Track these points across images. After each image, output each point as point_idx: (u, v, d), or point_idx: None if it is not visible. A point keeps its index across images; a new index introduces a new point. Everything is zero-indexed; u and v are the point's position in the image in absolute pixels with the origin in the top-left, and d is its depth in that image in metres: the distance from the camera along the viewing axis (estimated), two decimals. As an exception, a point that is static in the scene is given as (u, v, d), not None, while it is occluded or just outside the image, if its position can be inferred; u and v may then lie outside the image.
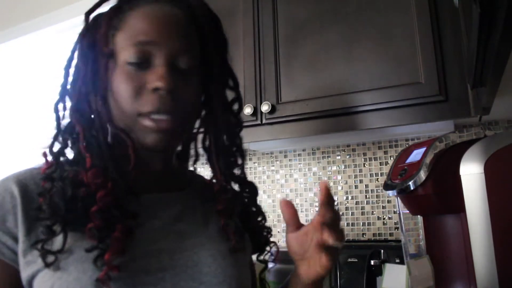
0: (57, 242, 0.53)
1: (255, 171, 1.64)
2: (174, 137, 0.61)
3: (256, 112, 1.24)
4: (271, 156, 1.62)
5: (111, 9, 0.62)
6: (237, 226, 0.66)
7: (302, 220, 1.52)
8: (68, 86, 0.61)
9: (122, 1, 0.62)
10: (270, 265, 0.78)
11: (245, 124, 1.26)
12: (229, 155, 0.69)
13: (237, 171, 0.70)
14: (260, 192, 1.61)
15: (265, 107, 1.21)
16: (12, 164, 2.00)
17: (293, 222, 0.66)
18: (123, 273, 0.52)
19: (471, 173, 0.79)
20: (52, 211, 0.54)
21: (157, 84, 0.56)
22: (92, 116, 0.59)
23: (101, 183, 0.55)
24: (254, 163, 1.65)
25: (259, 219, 0.73)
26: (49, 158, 0.58)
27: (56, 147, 0.59)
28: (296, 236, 0.64)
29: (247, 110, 1.23)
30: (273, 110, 1.21)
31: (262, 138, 1.25)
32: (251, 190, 0.72)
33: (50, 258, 0.53)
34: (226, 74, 0.70)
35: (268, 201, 1.60)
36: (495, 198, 0.77)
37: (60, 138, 0.60)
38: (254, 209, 0.72)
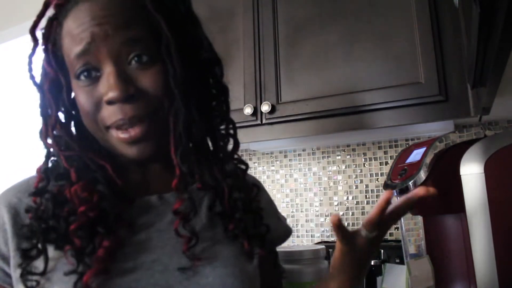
0: (41, 262, 0.51)
1: (255, 171, 1.64)
2: (155, 143, 0.54)
3: (256, 112, 1.24)
4: (271, 156, 1.62)
5: (47, 21, 0.55)
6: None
7: (302, 220, 1.52)
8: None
9: (58, 9, 0.55)
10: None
11: (245, 124, 1.27)
12: (211, 135, 0.60)
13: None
14: (260, 192, 1.61)
15: (265, 107, 1.21)
16: (13, 164, 2.00)
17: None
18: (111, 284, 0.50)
19: (471, 173, 0.78)
20: (34, 230, 0.52)
21: (109, 96, 0.50)
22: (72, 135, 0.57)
23: (84, 198, 0.52)
24: (254, 163, 1.65)
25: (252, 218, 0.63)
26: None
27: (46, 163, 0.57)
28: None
29: (247, 110, 1.23)
30: (273, 110, 1.21)
31: (262, 138, 1.25)
32: (243, 164, 0.64)
33: (31, 282, 0.50)
34: (200, 48, 0.58)
35: (268, 201, 1.60)
36: (495, 198, 0.77)
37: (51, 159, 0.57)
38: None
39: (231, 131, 0.62)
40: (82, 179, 0.53)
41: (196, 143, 0.56)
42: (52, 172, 0.56)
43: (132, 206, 0.57)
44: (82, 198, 0.52)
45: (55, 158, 0.57)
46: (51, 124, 0.55)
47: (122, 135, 0.52)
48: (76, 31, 0.51)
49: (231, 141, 0.62)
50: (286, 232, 0.74)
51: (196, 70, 0.57)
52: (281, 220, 0.75)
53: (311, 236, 1.50)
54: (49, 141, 0.56)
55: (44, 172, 0.56)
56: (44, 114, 0.56)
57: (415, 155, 0.95)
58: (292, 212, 1.56)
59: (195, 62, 0.57)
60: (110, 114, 0.52)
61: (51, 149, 0.56)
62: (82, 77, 0.52)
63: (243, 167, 0.64)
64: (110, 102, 0.51)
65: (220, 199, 0.59)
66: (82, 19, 0.51)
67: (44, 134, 0.56)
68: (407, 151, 1.01)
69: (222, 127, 0.61)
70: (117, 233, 0.53)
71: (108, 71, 0.51)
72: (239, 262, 0.58)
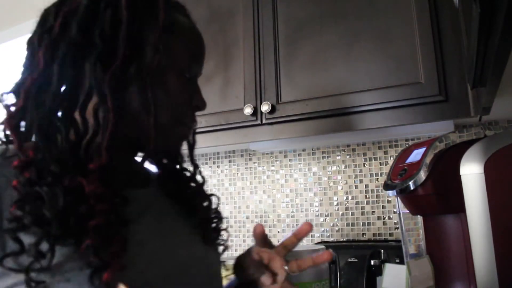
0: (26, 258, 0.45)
1: (255, 171, 1.64)
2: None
3: (256, 112, 1.24)
4: (271, 156, 1.62)
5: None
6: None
7: (302, 220, 1.52)
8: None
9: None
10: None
11: (245, 124, 1.27)
12: None
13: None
14: (260, 192, 1.62)
15: (265, 107, 1.21)
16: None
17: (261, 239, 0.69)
18: None
19: (471, 173, 0.78)
20: (37, 224, 0.45)
21: (199, 104, 0.64)
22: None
23: (101, 194, 0.47)
24: (254, 163, 1.65)
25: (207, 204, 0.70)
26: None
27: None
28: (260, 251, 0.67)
29: (247, 110, 1.23)
30: (273, 110, 1.21)
31: (262, 138, 1.25)
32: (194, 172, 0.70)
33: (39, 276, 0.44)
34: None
35: (268, 201, 1.60)
36: (495, 198, 0.77)
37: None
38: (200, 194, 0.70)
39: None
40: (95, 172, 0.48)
41: None
42: (48, 150, 0.49)
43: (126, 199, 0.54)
44: (98, 193, 0.48)
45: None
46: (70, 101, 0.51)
47: (185, 132, 0.64)
48: (197, 44, 0.64)
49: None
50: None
51: None
52: None
53: (311, 236, 1.50)
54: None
55: (36, 146, 0.48)
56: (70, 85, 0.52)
57: (415, 155, 0.95)
58: (292, 212, 1.56)
59: None
60: (191, 114, 0.64)
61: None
62: (188, 75, 0.62)
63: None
64: (198, 108, 0.64)
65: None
66: (199, 40, 0.65)
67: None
68: (407, 151, 1.01)
69: None
70: (123, 228, 0.50)
71: (195, 82, 0.65)
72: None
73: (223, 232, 0.70)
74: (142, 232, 0.55)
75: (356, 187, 1.46)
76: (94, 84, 0.51)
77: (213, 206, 0.70)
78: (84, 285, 0.45)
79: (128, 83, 0.54)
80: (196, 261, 0.60)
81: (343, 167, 1.49)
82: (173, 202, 0.65)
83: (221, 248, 0.70)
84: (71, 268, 0.46)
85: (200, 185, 0.70)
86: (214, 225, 0.69)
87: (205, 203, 0.69)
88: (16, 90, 0.52)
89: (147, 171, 0.69)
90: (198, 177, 0.70)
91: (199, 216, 0.66)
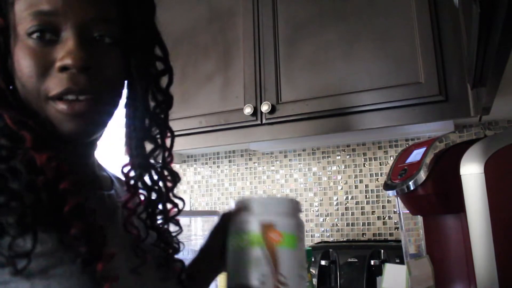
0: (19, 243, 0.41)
1: (255, 171, 1.64)
2: (95, 122, 0.52)
3: (256, 112, 1.24)
4: (271, 156, 1.62)
5: None
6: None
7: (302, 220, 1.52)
8: None
9: None
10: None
11: (245, 124, 1.27)
12: (148, 139, 0.58)
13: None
14: (260, 192, 1.61)
15: (265, 107, 1.21)
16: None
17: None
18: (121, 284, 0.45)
19: (471, 173, 0.78)
20: (14, 201, 0.42)
21: (65, 62, 0.46)
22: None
23: (61, 172, 0.44)
24: (254, 163, 1.65)
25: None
26: None
27: None
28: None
29: (247, 110, 1.23)
30: (273, 110, 1.21)
31: (262, 138, 1.25)
32: (172, 178, 0.60)
33: (21, 263, 0.40)
34: (152, 41, 0.58)
35: (268, 201, 1.60)
36: (495, 198, 0.77)
37: None
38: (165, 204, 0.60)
39: (169, 141, 0.60)
40: (44, 149, 0.45)
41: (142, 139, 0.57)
42: None
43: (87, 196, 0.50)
44: (59, 171, 0.45)
45: None
46: None
47: (64, 106, 0.48)
48: None
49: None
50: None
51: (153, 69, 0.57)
52: None
53: (311, 236, 1.50)
54: None
55: None
56: None
57: (415, 155, 0.95)
58: (292, 212, 1.55)
59: (153, 62, 0.57)
60: (58, 82, 0.47)
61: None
62: (34, 36, 0.47)
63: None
64: (63, 68, 0.47)
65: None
66: None
67: None
68: (407, 151, 1.01)
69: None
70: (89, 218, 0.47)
71: (68, 37, 0.48)
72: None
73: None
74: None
75: (356, 187, 1.46)
76: None
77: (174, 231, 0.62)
78: (73, 278, 0.43)
79: None
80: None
81: (343, 167, 1.49)
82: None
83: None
84: (57, 262, 0.43)
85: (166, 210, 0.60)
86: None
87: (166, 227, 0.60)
88: None
89: (108, 174, 0.62)
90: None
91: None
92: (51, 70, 0.47)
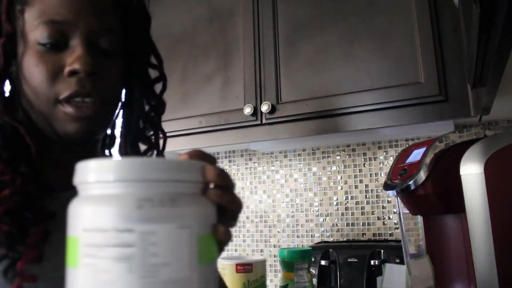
0: None
1: (255, 171, 1.64)
2: (98, 124, 0.56)
3: (256, 112, 1.24)
4: (271, 156, 1.62)
5: None
6: None
7: (302, 220, 1.52)
8: None
9: None
10: None
11: (245, 124, 1.27)
12: (142, 140, 0.62)
13: None
14: (260, 192, 1.62)
15: (265, 107, 1.21)
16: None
17: None
18: (41, 284, 0.45)
19: (471, 173, 0.78)
20: None
21: (75, 66, 0.50)
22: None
23: (6, 181, 0.47)
24: (254, 163, 1.65)
25: None
26: None
27: None
28: None
29: (247, 110, 1.23)
30: (273, 110, 1.21)
31: (262, 138, 1.25)
32: None
33: None
34: (148, 51, 0.63)
35: (268, 201, 1.60)
36: (495, 198, 0.77)
37: None
38: None
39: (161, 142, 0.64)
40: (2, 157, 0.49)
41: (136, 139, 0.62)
42: None
43: (54, 198, 0.52)
44: (2, 181, 0.47)
45: None
46: None
47: (71, 109, 0.51)
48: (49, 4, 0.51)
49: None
50: None
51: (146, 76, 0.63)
52: None
53: (311, 236, 1.50)
54: None
55: None
56: None
57: (415, 155, 0.95)
58: (292, 212, 1.56)
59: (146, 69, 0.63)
60: (68, 85, 0.51)
61: None
62: (47, 44, 0.51)
63: None
64: (73, 73, 0.51)
65: None
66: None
67: None
68: (407, 151, 1.01)
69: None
70: (44, 221, 0.49)
71: (77, 44, 0.51)
72: None
73: None
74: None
75: (356, 187, 1.46)
76: None
77: None
78: None
79: None
80: None
81: (343, 167, 1.49)
82: None
83: None
84: None
85: None
86: None
87: None
88: None
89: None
90: None
91: None
92: (61, 75, 0.51)
